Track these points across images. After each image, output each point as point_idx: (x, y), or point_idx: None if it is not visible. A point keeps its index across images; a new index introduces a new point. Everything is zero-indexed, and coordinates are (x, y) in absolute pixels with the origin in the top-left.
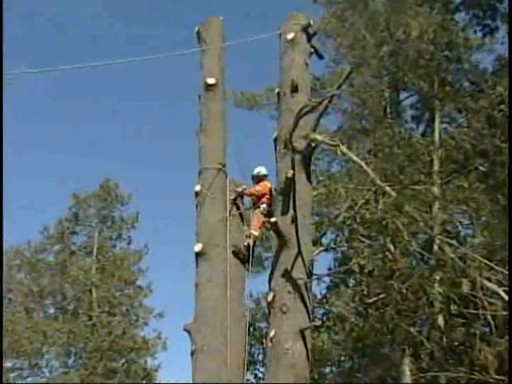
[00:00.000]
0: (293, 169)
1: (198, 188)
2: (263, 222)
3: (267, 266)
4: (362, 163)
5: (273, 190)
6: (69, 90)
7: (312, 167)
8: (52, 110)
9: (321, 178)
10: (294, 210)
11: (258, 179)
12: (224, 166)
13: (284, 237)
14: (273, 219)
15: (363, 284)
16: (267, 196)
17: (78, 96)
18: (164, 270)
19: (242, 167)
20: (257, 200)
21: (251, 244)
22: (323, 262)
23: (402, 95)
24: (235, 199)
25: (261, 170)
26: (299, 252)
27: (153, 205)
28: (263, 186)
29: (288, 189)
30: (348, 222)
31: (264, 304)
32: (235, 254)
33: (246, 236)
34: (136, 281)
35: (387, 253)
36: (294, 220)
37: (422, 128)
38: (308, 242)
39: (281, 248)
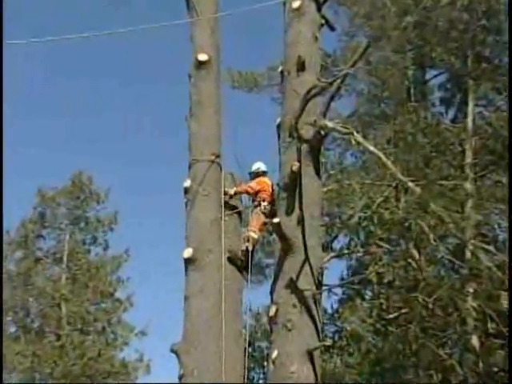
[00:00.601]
0: (299, 161)
1: (187, 183)
2: (264, 223)
3: (269, 275)
4: (381, 154)
5: (275, 187)
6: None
7: (321, 159)
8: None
9: (332, 172)
10: (301, 209)
11: (256, 176)
12: (218, 157)
13: (288, 240)
14: (275, 220)
15: (382, 297)
16: (268, 193)
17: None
18: (148, 279)
19: (240, 159)
20: (254, 198)
21: (250, 249)
22: (335, 271)
23: (429, 73)
24: (230, 197)
25: (259, 166)
26: (306, 258)
27: (134, 203)
28: (260, 183)
29: (293, 184)
30: (364, 224)
31: (265, 320)
32: (231, 260)
33: (244, 239)
34: (114, 293)
35: (410, 260)
36: (301, 221)
37: (452, 112)
38: (317, 247)
39: (285, 254)
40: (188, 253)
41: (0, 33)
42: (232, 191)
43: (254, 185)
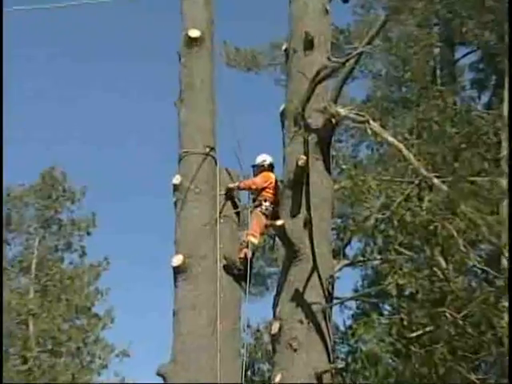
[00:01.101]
0: (306, 154)
1: (177, 180)
2: (266, 226)
3: (271, 286)
4: (401, 146)
5: (279, 184)
6: None
7: (332, 152)
8: None
9: (344, 167)
10: (308, 209)
11: (261, 171)
12: (213, 149)
13: (294, 246)
14: (279, 222)
15: (403, 312)
16: (271, 191)
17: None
18: (131, 291)
19: (238, 152)
20: (257, 196)
21: (249, 256)
22: (348, 281)
23: (459, 52)
24: (227, 195)
25: (265, 158)
26: (314, 267)
27: (115, 203)
28: (265, 177)
29: (299, 181)
30: (381, 227)
31: (267, 338)
32: (228, 269)
33: (243, 245)
34: (91, 307)
35: (436, 269)
36: (308, 223)
37: (485, 97)
38: (327, 254)
39: (290, 261)
40: (178, 260)
41: (0, 33)
42: (234, 185)
43: (259, 180)
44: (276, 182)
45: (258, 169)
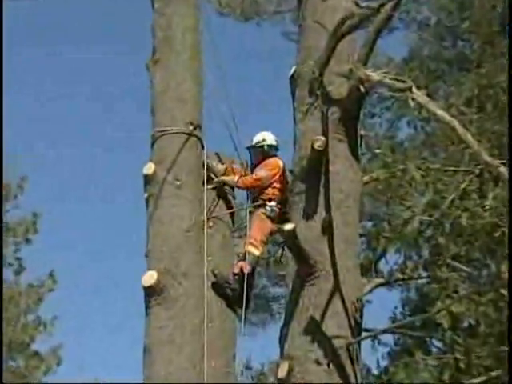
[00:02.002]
0: (325, 134)
1: (149, 169)
2: (271, 233)
3: (277, 313)
4: (456, 123)
5: (287, 175)
6: None
7: (361, 131)
8: None
9: (377, 151)
10: (328, 209)
11: (262, 155)
12: (198, 127)
13: (309, 259)
14: (288, 226)
15: (458, 350)
16: (278, 185)
17: None
18: (87, 321)
19: (233, 131)
20: (258, 194)
21: (248, 271)
22: (382, 307)
23: None
24: (218, 190)
25: (265, 137)
26: (337, 287)
27: (65, 202)
28: (272, 167)
29: (316, 171)
30: (428, 233)
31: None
32: (218, 290)
33: (239, 256)
34: (31, 343)
35: (504, 291)
36: (328, 228)
37: None
38: (353, 269)
39: (303, 279)
40: (150, 278)
41: (0, 33)
42: (230, 180)
43: (264, 173)
44: (284, 171)
45: (256, 152)
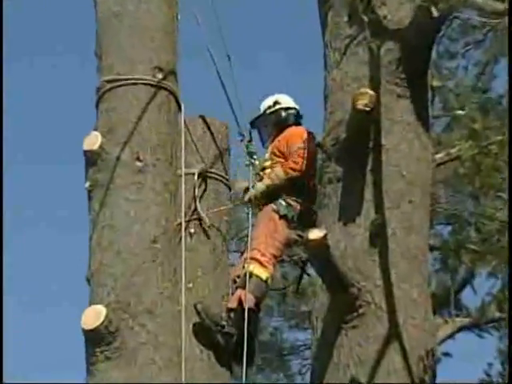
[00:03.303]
0: (375, 86)
1: (92, 142)
2: (286, 242)
3: (298, 373)
4: None
5: (313, 149)
6: None
7: (432, 80)
8: None
9: (459, 113)
10: (379, 206)
11: (278, 125)
12: (170, 75)
13: (348, 285)
14: (315, 233)
15: None
16: (298, 166)
17: None
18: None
19: (231, 87)
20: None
21: (249, 304)
22: (468, 361)
23: None
24: (203, 174)
25: (280, 99)
26: (394, 330)
27: None
28: (297, 136)
29: (361, 145)
30: None
31: None
32: (203, 334)
33: (235, 282)
34: None
35: None
36: (378, 236)
37: None
38: (420, 302)
39: (340, 318)
40: (94, 317)
41: (0, 33)
42: (262, 186)
43: (297, 156)
44: (309, 147)
45: (267, 122)
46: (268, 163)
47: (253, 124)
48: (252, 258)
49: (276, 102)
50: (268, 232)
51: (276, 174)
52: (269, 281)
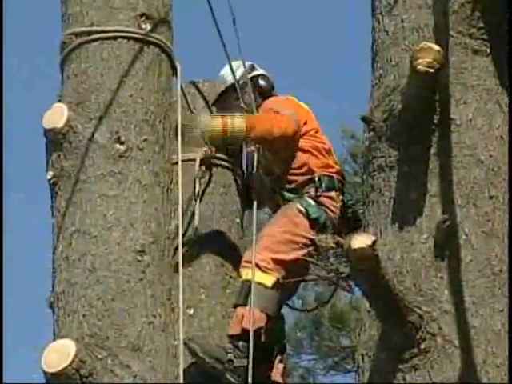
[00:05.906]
0: (441, 40)
1: (56, 117)
2: (310, 252)
3: None
4: None
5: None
6: None
7: None
8: None
9: None
10: (448, 203)
11: (263, 94)
12: (161, 25)
13: (407, 311)
14: (358, 240)
15: None
16: (313, 150)
17: None
18: None
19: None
20: (286, 169)
21: (255, 325)
22: None
23: None
24: (206, 160)
25: (247, 65)
26: (471, 373)
27: None
28: (290, 104)
29: (422, 118)
30: None
31: None
32: (204, 381)
33: (238, 315)
34: None
35: None
36: (447, 244)
37: None
38: (505, 329)
39: (396, 355)
40: (60, 356)
41: (0, 32)
42: (240, 128)
43: (288, 111)
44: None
45: (245, 90)
46: None
47: (219, 97)
48: (247, 262)
49: (251, 70)
50: (286, 232)
51: (261, 121)
52: (276, 287)
